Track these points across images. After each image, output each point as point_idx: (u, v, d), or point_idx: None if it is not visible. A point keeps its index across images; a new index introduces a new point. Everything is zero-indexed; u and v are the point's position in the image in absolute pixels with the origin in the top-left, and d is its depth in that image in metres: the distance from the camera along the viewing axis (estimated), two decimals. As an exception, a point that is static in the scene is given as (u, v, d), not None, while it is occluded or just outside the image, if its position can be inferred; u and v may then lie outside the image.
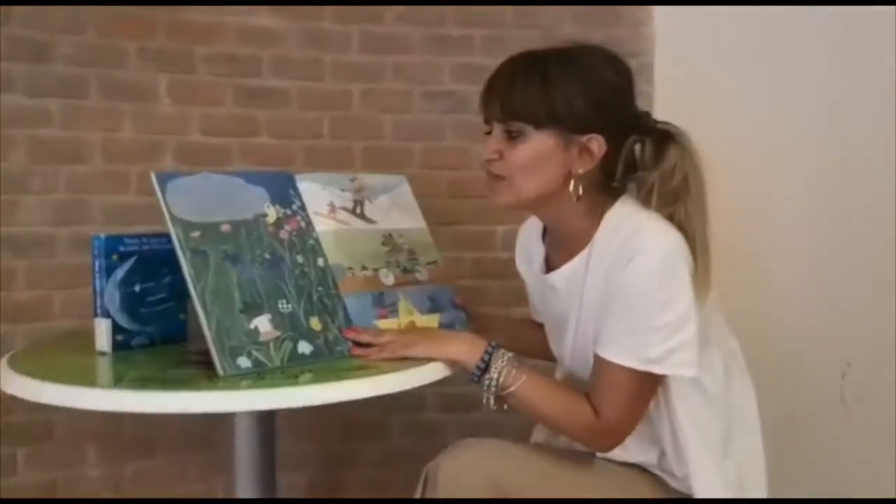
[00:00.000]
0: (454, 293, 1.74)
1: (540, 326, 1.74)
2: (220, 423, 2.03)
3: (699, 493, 1.48)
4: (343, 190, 1.68)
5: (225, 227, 1.47)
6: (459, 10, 2.15)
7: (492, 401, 1.47)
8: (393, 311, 1.62)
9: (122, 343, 1.60)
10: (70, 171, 1.94)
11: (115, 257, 1.59)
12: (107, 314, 1.59)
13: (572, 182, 1.48)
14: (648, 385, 1.45)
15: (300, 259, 1.54)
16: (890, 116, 2.07)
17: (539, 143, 1.47)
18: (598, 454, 1.54)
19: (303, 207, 1.60)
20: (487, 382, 1.46)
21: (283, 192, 1.59)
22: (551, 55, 1.48)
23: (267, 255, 1.50)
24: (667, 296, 1.40)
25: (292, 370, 1.42)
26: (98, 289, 1.59)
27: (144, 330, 1.63)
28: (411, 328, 1.62)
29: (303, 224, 1.59)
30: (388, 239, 1.69)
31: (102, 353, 1.59)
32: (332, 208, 1.64)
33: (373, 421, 2.22)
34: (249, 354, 1.39)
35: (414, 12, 2.15)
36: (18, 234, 1.91)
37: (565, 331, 1.58)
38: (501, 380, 1.45)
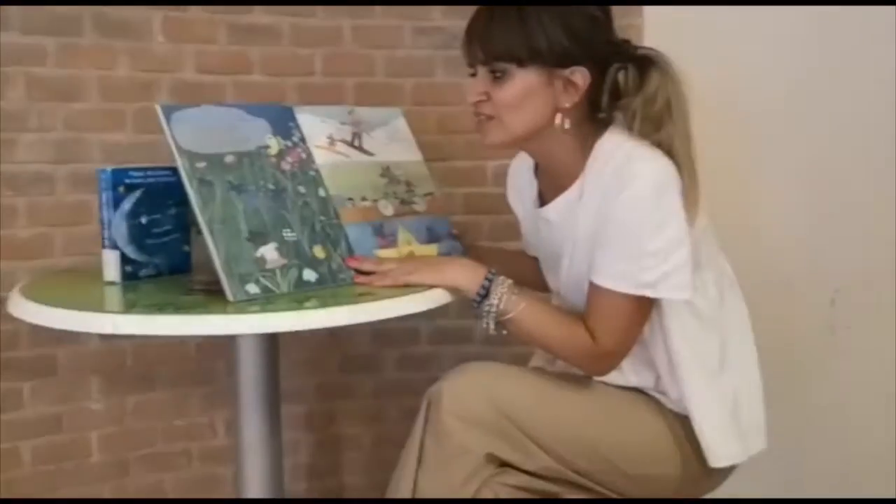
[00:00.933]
0: (451, 224, 1.77)
1: (534, 259, 1.77)
2: (220, 356, 2.08)
3: (695, 414, 1.52)
4: (342, 123, 1.70)
5: (229, 158, 1.49)
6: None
7: (492, 325, 1.49)
8: (393, 240, 1.64)
9: (131, 274, 1.63)
10: (67, 109, 1.94)
11: (121, 189, 1.61)
12: (115, 246, 1.61)
13: (559, 116, 1.50)
14: (643, 309, 1.48)
15: (302, 190, 1.56)
16: (889, 38, 2.06)
17: (523, 81, 1.48)
18: (596, 378, 1.56)
19: (303, 139, 1.62)
20: (488, 308, 1.48)
21: (284, 124, 1.61)
22: None
23: (270, 186, 1.52)
24: (659, 221, 1.43)
25: (298, 296, 1.45)
26: (106, 221, 1.61)
27: (151, 261, 1.66)
28: (411, 257, 1.65)
29: (303, 156, 1.60)
30: (385, 171, 1.71)
31: (112, 284, 1.62)
32: (332, 141, 1.66)
33: (367, 354, 2.26)
34: (257, 281, 1.42)
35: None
36: (18, 172, 1.91)
37: (560, 262, 1.59)
38: (502, 306, 1.47)
